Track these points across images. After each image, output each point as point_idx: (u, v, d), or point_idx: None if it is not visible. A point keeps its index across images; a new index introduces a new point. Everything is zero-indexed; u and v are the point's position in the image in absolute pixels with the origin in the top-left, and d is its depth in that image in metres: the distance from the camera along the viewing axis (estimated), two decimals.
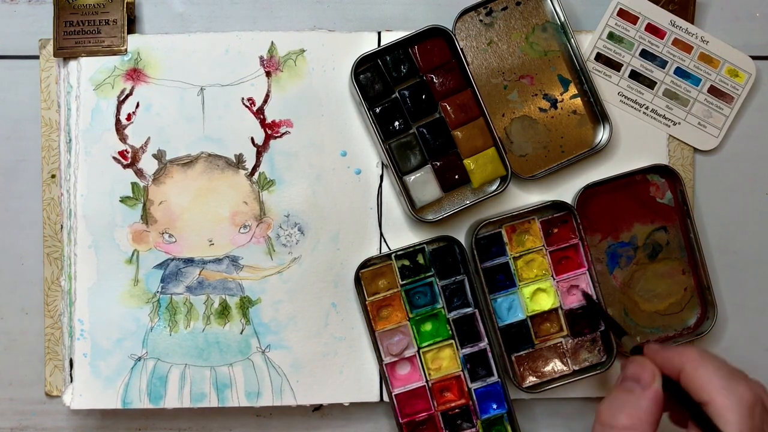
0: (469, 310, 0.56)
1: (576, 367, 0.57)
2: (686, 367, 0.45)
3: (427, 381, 0.56)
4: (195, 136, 0.56)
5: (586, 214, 0.58)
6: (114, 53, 0.56)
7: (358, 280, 0.56)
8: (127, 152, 0.56)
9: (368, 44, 0.57)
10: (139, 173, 0.56)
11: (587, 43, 0.59)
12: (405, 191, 0.56)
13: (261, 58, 0.57)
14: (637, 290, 0.59)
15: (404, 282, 0.56)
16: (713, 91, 0.59)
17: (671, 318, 0.59)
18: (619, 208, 0.59)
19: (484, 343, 0.56)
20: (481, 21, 0.58)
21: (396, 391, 0.56)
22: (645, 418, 0.44)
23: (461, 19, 0.57)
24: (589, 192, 0.57)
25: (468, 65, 0.56)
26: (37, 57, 0.58)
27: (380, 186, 0.57)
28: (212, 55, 0.56)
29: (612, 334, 0.56)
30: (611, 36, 0.59)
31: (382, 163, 0.57)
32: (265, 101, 0.57)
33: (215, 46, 0.57)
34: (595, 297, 0.56)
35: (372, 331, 0.56)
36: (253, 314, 0.56)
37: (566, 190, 0.58)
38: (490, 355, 0.56)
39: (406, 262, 0.56)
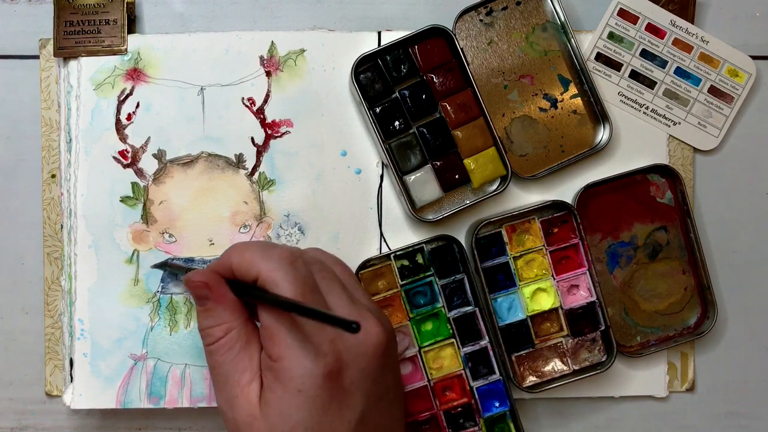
0: (469, 308, 0.56)
1: (576, 367, 0.57)
2: (233, 260, 0.47)
3: (428, 380, 0.56)
4: (195, 135, 0.56)
5: (587, 214, 0.58)
6: (114, 53, 0.56)
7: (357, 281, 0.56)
8: (127, 152, 0.56)
9: (368, 44, 0.57)
10: (139, 173, 0.56)
11: (587, 43, 0.59)
12: (405, 191, 0.56)
13: (261, 57, 0.57)
14: (637, 290, 0.59)
15: (404, 282, 0.56)
16: (713, 91, 0.59)
17: (671, 318, 0.59)
18: (619, 207, 0.59)
19: (485, 341, 0.56)
20: (481, 21, 0.58)
21: None
22: (234, 319, 0.47)
23: (461, 18, 0.57)
24: (589, 192, 0.57)
25: (468, 65, 0.56)
26: (37, 57, 0.58)
27: (380, 186, 0.57)
28: (212, 54, 0.57)
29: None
30: (611, 36, 0.59)
31: (383, 163, 0.57)
32: (265, 101, 0.57)
33: (215, 45, 0.57)
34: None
35: None
36: None
37: (566, 189, 0.58)
38: (491, 353, 0.56)
39: (405, 262, 0.56)
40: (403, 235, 0.57)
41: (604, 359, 0.57)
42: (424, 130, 0.56)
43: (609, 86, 0.59)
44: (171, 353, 0.56)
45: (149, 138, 0.56)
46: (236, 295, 0.47)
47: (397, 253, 0.56)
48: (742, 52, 0.59)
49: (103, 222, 0.56)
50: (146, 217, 0.56)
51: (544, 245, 0.57)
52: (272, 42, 0.57)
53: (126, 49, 0.56)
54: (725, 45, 0.59)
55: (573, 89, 0.58)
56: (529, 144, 0.58)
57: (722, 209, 0.60)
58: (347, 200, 0.57)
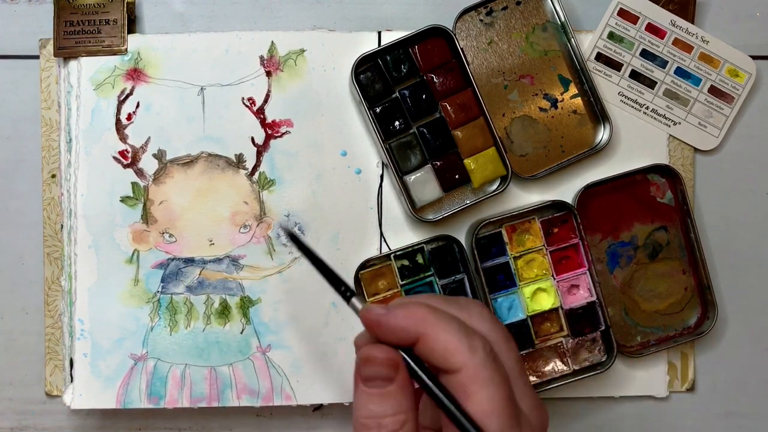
0: None
1: (576, 367, 0.57)
2: (424, 333, 0.38)
3: None
4: (195, 135, 0.56)
5: (587, 214, 0.58)
6: (114, 53, 0.56)
7: (357, 281, 0.56)
8: (128, 152, 0.56)
9: (368, 44, 0.57)
10: (140, 173, 0.56)
11: (587, 43, 0.59)
12: (405, 191, 0.56)
13: (261, 57, 0.57)
14: (637, 290, 0.59)
15: (404, 282, 0.56)
16: (713, 91, 0.59)
17: (671, 318, 0.59)
18: (619, 207, 0.59)
19: None
20: (481, 21, 0.58)
21: None
22: (411, 408, 0.38)
23: (461, 18, 0.57)
24: (589, 192, 0.57)
25: (468, 65, 0.56)
26: (37, 57, 0.58)
27: (380, 186, 0.57)
28: (212, 54, 0.57)
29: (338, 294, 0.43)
30: (611, 36, 0.59)
31: (383, 163, 0.57)
32: (266, 101, 0.57)
33: (215, 45, 0.57)
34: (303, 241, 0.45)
35: None
36: (253, 314, 0.56)
37: (566, 189, 0.58)
38: None
39: (406, 262, 0.56)
40: (403, 235, 0.57)
41: (604, 359, 0.57)
42: (424, 130, 0.56)
43: (609, 86, 0.59)
44: (171, 353, 0.56)
45: (149, 138, 0.56)
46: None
47: (398, 253, 0.56)
48: (743, 52, 0.59)
49: (103, 222, 0.56)
50: (146, 217, 0.56)
51: (544, 245, 0.57)
52: (272, 42, 0.57)
53: (126, 49, 0.56)
54: (725, 45, 0.59)
55: (573, 89, 0.58)
56: (529, 144, 0.58)
57: (722, 209, 0.60)
58: (347, 200, 0.57)
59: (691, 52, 0.59)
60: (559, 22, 0.58)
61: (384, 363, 0.38)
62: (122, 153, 0.56)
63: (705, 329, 0.58)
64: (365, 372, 0.39)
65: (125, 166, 0.56)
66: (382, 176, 0.57)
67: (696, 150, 0.60)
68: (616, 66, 0.59)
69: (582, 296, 0.57)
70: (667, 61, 0.59)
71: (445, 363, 0.37)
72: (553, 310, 0.57)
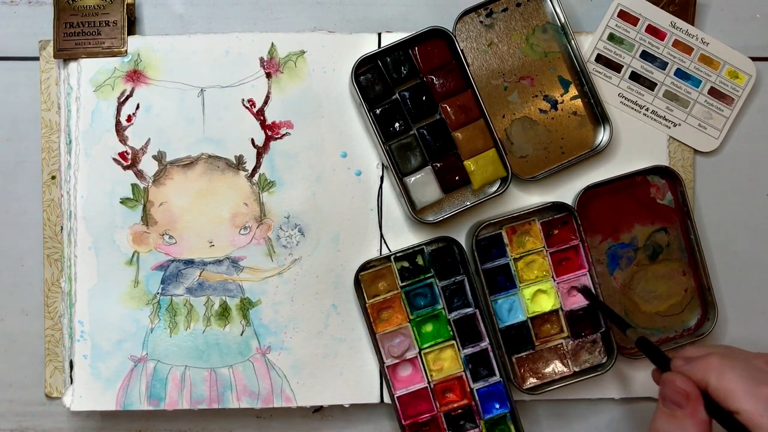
0: (469, 310, 0.56)
1: (576, 369, 0.57)
2: (711, 379, 0.45)
3: (429, 382, 0.56)
4: (195, 137, 0.56)
5: (587, 216, 0.58)
6: (114, 54, 0.56)
7: (357, 282, 0.56)
8: (128, 153, 0.56)
9: (368, 45, 0.57)
10: (140, 174, 0.56)
11: (587, 45, 0.59)
12: (405, 192, 0.56)
13: (261, 59, 0.57)
14: (637, 291, 0.59)
15: (404, 284, 0.56)
16: (713, 92, 0.59)
17: (672, 319, 0.59)
18: (619, 209, 0.59)
19: (485, 343, 0.56)
20: (481, 22, 0.58)
21: (398, 393, 0.56)
22: None
23: (461, 20, 0.57)
24: (589, 193, 0.57)
25: (468, 66, 0.56)
26: (37, 58, 0.58)
27: (380, 187, 0.57)
28: (212, 56, 0.56)
29: (616, 327, 0.55)
30: (612, 37, 0.59)
31: (383, 165, 0.57)
32: (266, 102, 0.57)
33: (215, 47, 0.57)
34: (593, 290, 0.56)
35: (373, 334, 0.56)
36: (253, 315, 0.56)
37: (567, 191, 0.58)
38: (491, 354, 0.56)
39: (406, 264, 0.56)
40: (404, 236, 0.57)
41: (604, 361, 0.57)
42: (425, 132, 0.56)
43: (609, 88, 0.59)
44: (171, 355, 0.56)
45: (149, 139, 0.56)
46: (708, 413, 0.45)
47: (398, 254, 0.56)
48: (742, 54, 0.59)
49: (103, 224, 0.56)
50: (146, 219, 0.56)
51: (544, 247, 0.57)
52: (272, 43, 0.57)
53: (126, 51, 0.56)
54: (725, 46, 0.59)
55: (573, 91, 0.58)
56: (529, 145, 0.58)
57: (722, 211, 0.60)
58: (347, 202, 0.57)
59: (691, 53, 0.59)
60: (559, 24, 0.58)
61: (677, 391, 0.45)
62: (122, 154, 0.56)
63: (705, 330, 0.58)
64: (663, 392, 0.46)
65: (125, 168, 0.56)
66: (382, 178, 0.57)
67: (696, 151, 0.60)
68: (616, 67, 0.59)
69: (582, 298, 0.57)
70: (667, 63, 0.59)
71: (727, 405, 0.44)
72: (554, 312, 0.57)
